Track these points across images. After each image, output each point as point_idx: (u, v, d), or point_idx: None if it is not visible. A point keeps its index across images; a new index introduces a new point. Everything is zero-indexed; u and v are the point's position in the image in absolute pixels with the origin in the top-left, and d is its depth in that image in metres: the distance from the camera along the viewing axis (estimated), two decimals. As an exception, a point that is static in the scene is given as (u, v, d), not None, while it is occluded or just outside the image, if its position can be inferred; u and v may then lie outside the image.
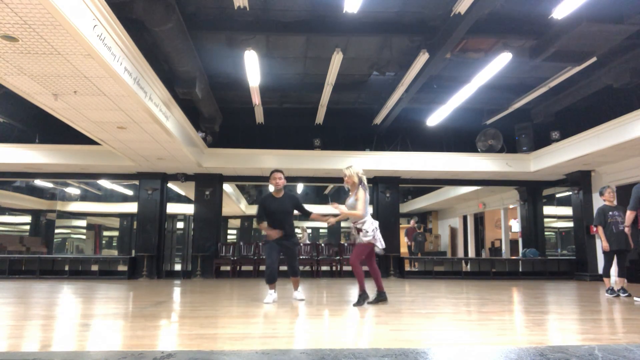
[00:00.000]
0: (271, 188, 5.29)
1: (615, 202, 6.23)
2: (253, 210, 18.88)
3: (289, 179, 10.91)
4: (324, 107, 8.72)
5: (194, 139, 8.48)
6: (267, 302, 5.05)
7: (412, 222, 14.70)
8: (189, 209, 11.56)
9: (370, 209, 5.08)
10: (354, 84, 8.34)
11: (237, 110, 9.57)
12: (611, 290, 6.05)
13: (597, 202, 9.27)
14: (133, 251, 10.50)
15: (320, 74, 7.58)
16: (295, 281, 5.52)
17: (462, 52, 6.56)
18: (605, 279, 6.22)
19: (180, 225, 11.45)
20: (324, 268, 10.17)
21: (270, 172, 5.24)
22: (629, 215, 5.63)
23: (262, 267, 10.19)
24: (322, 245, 10.53)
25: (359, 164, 9.80)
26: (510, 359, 1.36)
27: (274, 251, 5.13)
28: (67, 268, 9.67)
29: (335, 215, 5.22)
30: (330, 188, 17.01)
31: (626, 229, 5.78)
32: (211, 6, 5.89)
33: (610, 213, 6.02)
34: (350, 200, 4.92)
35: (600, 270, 9.23)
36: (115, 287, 7.43)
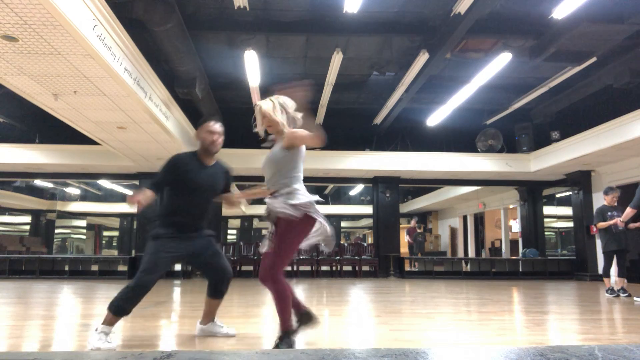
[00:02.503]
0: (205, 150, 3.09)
1: (615, 203, 6.23)
2: (253, 210, 18.87)
3: (289, 179, 10.94)
4: (324, 107, 8.72)
5: (194, 139, 8.47)
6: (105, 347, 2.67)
7: (412, 222, 14.71)
8: (189, 209, 11.55)
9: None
10: (354, 84, 8.33)
11: (237, 110, 9.56)
12: (611, 290, 6.05)
13: (598, 202, 9.28)
14: (133, 251, 10.50)
15: (320, 74, 7.57)
16: (214, 306, 3.16)
17: (462, 52, 6.56)
18: (605, 279, 6.23)
19: (180, 225, 11.44)
20: (323, 268, 10.18)
21: (202, 121, 3.13)
22: (629, 212, 5.64)
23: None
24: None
25: (359, 164, 9.96)
26: (510, 359, 1.36)
27: (164, 258, 2.88)
28: (67, 268, 9.66)
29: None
30: (330, 188, 17.02)
31: (618, 221, 5.78)
32: (211, 6, 5.89)
33: (609, 213, 6.02)
34: (274, 152, 2.75)
35: (600, 271, 9.27)
36: (115, 287, 7.40)
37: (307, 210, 2.54)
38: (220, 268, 3.06)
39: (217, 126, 3.09)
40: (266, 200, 2.66)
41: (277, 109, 2.65)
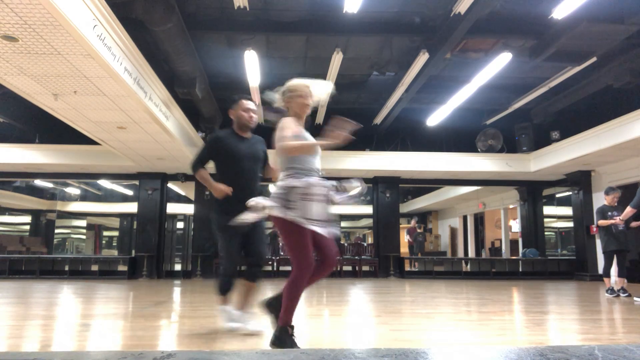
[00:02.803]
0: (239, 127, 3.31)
1: (615, 203, 6.23)
2: (253, 210, 18.86)
3: (289, 179, 10.94)
4: (324, 107, 8.72)
5: (194, 139, 8.48)
6: (234, 327, 3.16)
7: (412, 222, 14.72)
8: (189, 209, 11.56)
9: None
10: (354, 84, 8.33)
11: (237, 110, 9.55)
12: (611, 290, 6.05)
13: (598, 202, 9.28)
14: (133, 251, 10.50)
15: (320, 74, 7.57)
16: (250, 289, 3.22)
17: (462, 52, 6.56)
18: (605, 279, 6.23)
19: (180, 225, 11.45)
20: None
21: (236, 99, 3.33)
22: (629, 211, 5.64)
23: (264, 267, 10.17)
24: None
25: (359, 164, 9.93)
26: (510, 359, 1.36)
27: (235, 239, 3.07)
28: (67, 268, 9.66)
29: None
30: (330, 188, 16.95)
31: (619, 220, 5.79)
32: (211, 6, 5.89)
33: (610, 213, 6.02)
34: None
35: (600, 271, 9.27)
36: (115, 287, 7.42)
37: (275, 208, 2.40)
38: (255, 251, 3.19)
39: (250, 103, 3.32)
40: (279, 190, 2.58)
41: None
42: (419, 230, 14.65)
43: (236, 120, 3.31)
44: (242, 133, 3.31)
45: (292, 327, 2.47)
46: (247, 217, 2.52)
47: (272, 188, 2.84)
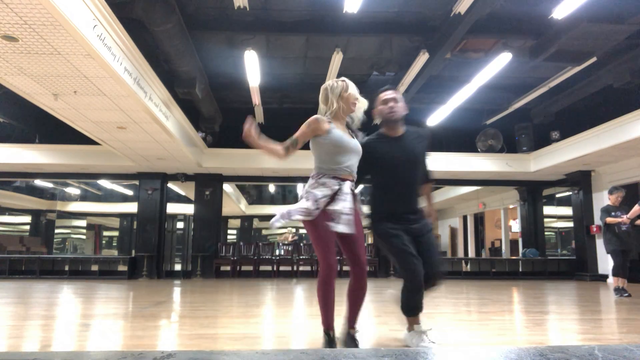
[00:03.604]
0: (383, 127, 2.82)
1: (618, 203, 6.21)
2: (253, 210, 18.88)
3: (288, 179, 10.97)
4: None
5: (194, 139, 8.48)
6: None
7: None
8: (189, 209, 11.56)
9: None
10: (354, 84, 8.33)
11: (237, 110, 9.55)
12: (619, 290, 5.99)
13: (598, 202, 9.28)
14: (133, 251, 10.50)
15: (320, 74, 7.57)
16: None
17: (462, 52, 6.56)
18: (614, 278, 6.13)
19: (180, 225, 11.45)
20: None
21: (376, 94, 2.85)
22: (637, 209, 5.62)
23: (264, 267, 10.21)
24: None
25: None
26: (510, 359, 1.36)
27: (405, 239, 2.62)
28: (67, 268, 9.67)
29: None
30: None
31: (625, 218, 5.78)
32: (211, 6, 5.89)
33: (614, 213, 6.01)
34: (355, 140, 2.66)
35: (601, 271, 9.27)
36: (115, 287, 7.42)
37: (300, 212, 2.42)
38: (426, 261, 2.61)
39: (388, 93, 2.76)
40: (350, 183, 2.55)
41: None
42: None
43: (380, 118, 2.81)
44: (391, 132, 2.76)
45: (332, 332, 2.52)
46: (275, 223, 2.49)
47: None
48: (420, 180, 2.80)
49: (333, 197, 2.44)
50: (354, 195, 2.55)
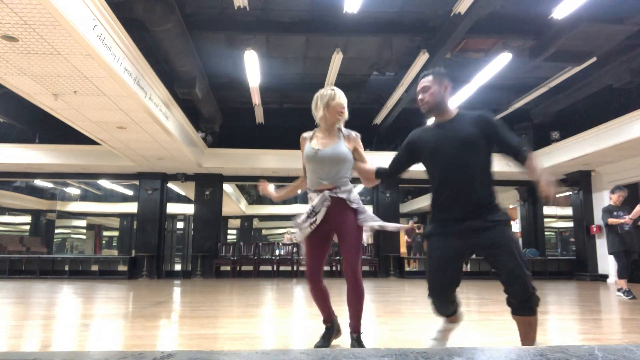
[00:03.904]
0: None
1: (620, 203, 6.18)
2: (253, 210, 18.86)
3: (289, 179, 10.97)
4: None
5: (194, 139, 8.48)
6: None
7: (410, 222, 14.76)
8: (189, 209, 11.56)
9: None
10: (354, 84, 8.33)
11: (237, 110, 9.56)
12: (626, 292, 5.92)
13: (597, 202, 9.28)
14: (133, 251, 10.50)
15: (320, 74, 7.57)
16: (522, 325, 2.16)
17: (462, 52, 6.56)
18: (619, 280, 5.97)
19: (180, 225, 11.45)
20: (324, 268, 10.16)
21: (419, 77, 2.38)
22: (639, 209, 5.61)
23: (264, 267, 10.21)
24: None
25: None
26: (511, 359, 1.36)
27: (437, 260, 2.26)
28: (67, 268, 9.67)
29: None
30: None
31: (627, 219, 5.76)
32: (211, 6, 5.89)
33: (615, 213, 5.98)
34: (339, 147, 2.63)
35: (601, 271, 9.26)
36: (115, 287, 7.42)
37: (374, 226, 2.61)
38: (505, 269, 2.08)
39: (421, 82, 2.31)
40: (327, 193, 2.56)
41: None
42: (417, 231, 14.70)
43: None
44: (439, 118, 2.30)
45: (329, 323, 2.83)
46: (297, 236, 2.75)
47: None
48: (485, 169, 2.31)
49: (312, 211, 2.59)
50: (333, 200, 2.56)
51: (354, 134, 2.73)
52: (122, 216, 16.60)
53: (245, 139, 9.86)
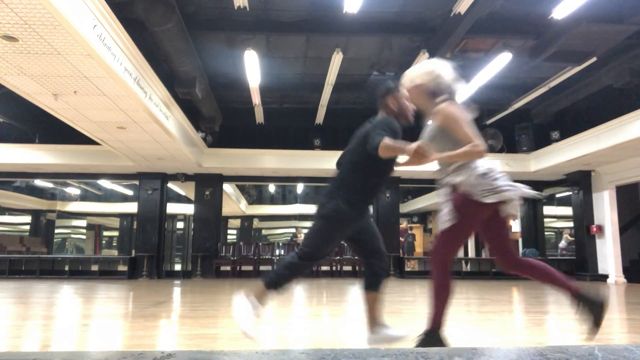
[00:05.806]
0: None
1: None
2: (253, 210, 18.85)
3: (289, 179, 10.97)
4: (324, 107, 8.72)
5: (194, 139, 8.48)
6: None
7: (404, 223, 14.84)
8: (189, 209, 11.56)
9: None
10: (354, 84, 8.33)
11: (237, 110, 9.56)
12: None
13: (597, 202, 9.28)
14: (133, 251, 10.50)
15: (320, 74, 7.57)
16: (372, 302, 2.55)
17: (462, 52, 6.56)
18: None
19: (180, 225, 11.46)
20: (324, 268, 10.18)
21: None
22: None
23: (264, 267, 10.21)
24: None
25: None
26: (511, 359, 1.36)
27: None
28: (67, 268, 9.66)
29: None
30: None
31: None
32: (211, 6, 5.89)
33: None
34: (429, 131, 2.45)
35: (601, 271, 9.26)
36: (115, 287, 7.42)
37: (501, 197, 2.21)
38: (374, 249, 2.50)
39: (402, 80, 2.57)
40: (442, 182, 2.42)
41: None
42: (409, 232, 14.81)
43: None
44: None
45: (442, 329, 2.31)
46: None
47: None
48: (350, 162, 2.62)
49: None
50: None
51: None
52: (122, 216, 16.59)
53: (245, 139, 9.86)
